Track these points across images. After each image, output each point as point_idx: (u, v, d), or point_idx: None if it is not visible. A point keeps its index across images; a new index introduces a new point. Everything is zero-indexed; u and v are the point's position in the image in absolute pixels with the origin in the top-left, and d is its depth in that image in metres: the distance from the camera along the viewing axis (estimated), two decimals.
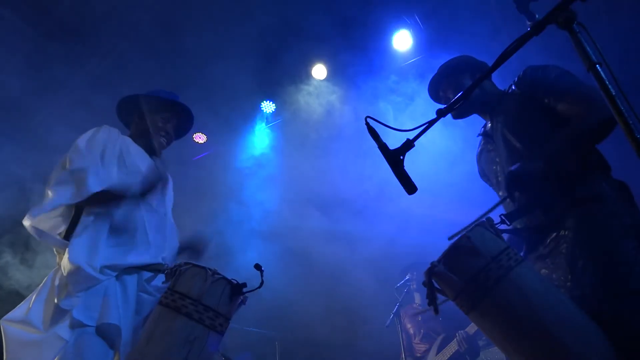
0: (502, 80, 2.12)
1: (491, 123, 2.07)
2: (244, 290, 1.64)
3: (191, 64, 4.29)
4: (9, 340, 1.65)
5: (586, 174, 1.71)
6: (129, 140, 2.13)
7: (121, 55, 4.24)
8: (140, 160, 2.08)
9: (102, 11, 3.85)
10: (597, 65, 1.12)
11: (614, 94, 1.08)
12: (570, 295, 1.52)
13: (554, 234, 1.69)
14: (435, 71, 2.25)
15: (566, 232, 1.65)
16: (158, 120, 2.22)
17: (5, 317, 1.70)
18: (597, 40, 1.15)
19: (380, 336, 4.47)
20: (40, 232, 1.78)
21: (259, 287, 1.64)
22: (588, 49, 1.14)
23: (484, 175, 2.19)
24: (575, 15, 1.18)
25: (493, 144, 2.03)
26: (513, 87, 2.00)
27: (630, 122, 1.03)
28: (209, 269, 1.59)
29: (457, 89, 2.12)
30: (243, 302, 1.68)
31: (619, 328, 1.36)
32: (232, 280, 1.63)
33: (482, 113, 2.16)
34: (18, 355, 1.61)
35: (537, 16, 1.35)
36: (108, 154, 1.95)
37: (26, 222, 1.77)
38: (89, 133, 2.00)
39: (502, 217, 1.84)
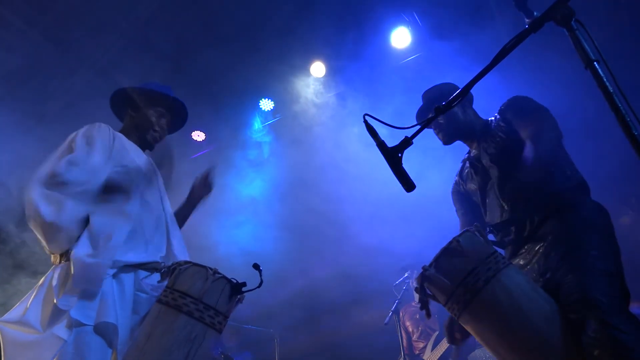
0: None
1: (477, 150, 2.16)
2: (243, 289, 1.64)
3: (190, 60, 4.28)
4: (6, 341, 1.62)
5: (567, 190, 1.83)
6: (123, 137, 2.10)
7: (118, 53, 4.22)
8: (137, 157, 2.06)
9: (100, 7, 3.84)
10: (595, 63, 1.12)
11: (611, 91, 1.08)
12: (545, 289, 1.57)
13: (532, 241, 1.81)
14: (427, 86, 2.34)
15: (543, 236, 1.76)
16: (152, 114, 2.18)
17: (1, 318, 1.68)
18: (595, 38, 1.15)
19: (381, 333, 4.48)
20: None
21: (258, 286, 1.64)
22: (586, 46, 1.14)
23: (459, 193, 2.27)
24: (574, 12, 1.18)
25: (480, 167, 2.11)
26: (497, 116, 2.14)
27: (628, 119, 1.04)
28: (209, 268, 1.59)
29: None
30: (240, 301, 1.68)
31: (577, 291, 1.44)
32: (232, 280, 1.63)
33: (467, 140, 2.26)
34: (16, 356, 1.59)
35: (535, 13, 1.34)
36: (101, 151, 1.91)
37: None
38: (83, 130, 1.96)
39: (490, 227, 1.96)
